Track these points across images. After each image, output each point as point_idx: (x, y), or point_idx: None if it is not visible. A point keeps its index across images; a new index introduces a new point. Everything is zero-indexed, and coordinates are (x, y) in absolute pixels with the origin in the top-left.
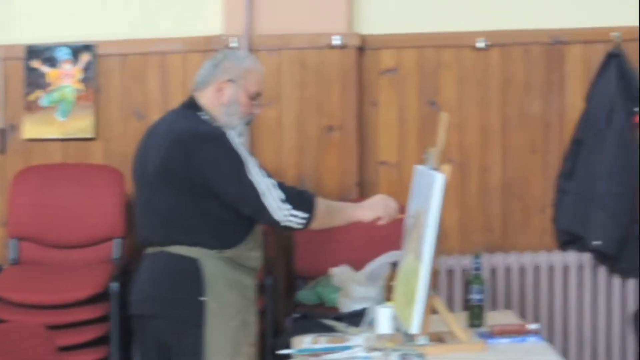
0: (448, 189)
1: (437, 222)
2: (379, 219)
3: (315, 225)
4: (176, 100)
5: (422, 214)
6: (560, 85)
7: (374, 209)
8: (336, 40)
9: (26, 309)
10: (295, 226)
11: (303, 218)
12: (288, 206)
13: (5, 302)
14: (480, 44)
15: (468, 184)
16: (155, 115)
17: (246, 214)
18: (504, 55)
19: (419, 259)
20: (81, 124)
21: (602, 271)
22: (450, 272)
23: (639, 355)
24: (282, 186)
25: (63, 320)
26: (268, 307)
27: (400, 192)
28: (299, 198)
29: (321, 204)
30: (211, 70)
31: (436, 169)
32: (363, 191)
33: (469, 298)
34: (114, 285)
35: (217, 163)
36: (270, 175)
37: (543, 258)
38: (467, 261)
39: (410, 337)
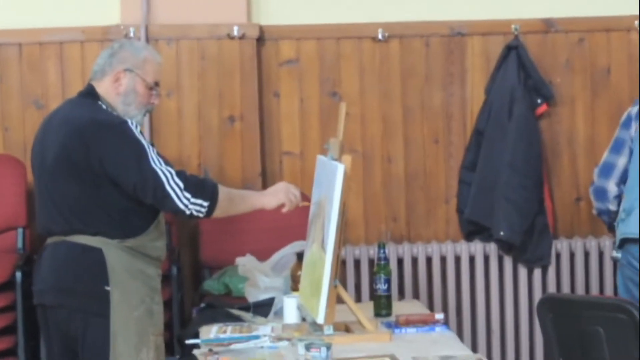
0: (352, 179)
1: (339, 211)
2: (282, 206)
3: (218, 213)
4: (75, 90)
5: (325, 203)
6: (461, 76)
7: (277, 196)
8: (235, 31)
9: None
10: (197, 214)
11: (204, 206)
12: (188, 194)
13: None
14: (380, 35)
15: (372, 174)
16: (54, 104)
17: (148, 202)
18: (404, 46)
19: (323, 249)
20: None
21: (508, 261)
22: (357, 262)
23: (545, 344)
24: (182, 174)
25: None
26: (174, 297)
27: (304, 182)
28: (199, 186)
29: (223, 192)
30: (108, 59)
31: (337, 159)
32: (266, 181)
33: (376, 288)
34: (18, 275)
35: (117, 151)
36: (170, 163)
37: (449, 248)
38: (373, 251)
39: (316, 327)
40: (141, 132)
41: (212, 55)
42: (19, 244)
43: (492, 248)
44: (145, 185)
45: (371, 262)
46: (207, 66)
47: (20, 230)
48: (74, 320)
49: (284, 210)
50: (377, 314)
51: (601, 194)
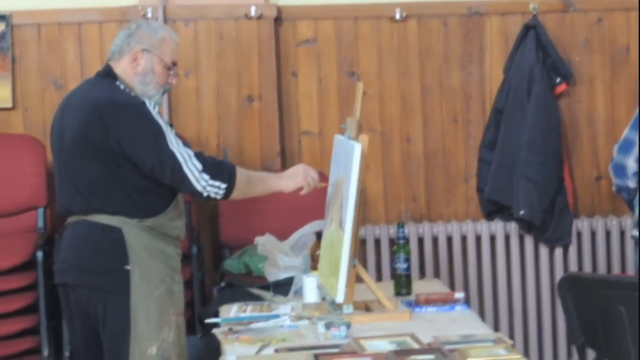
0: (371, 159)
1: (357, 190)
2: (300, 189)
3: (236, 195)
4: (94, 70)
5: (343, 182)
6: (479, 56)
7: (295, 179)
8: (252, 11)
9: None
10: (215, 196)
11: (221, 188)
12: (206, 176)
13: None
14: (398, 15)
15: (391, 153)
16: (73, 84)
17: (166, 183)
18: (422, 26)
19: (342, 228)
20: None
21: (529, 240)
22: (377, 242)
23: (567, 323)
24: (200, 156)
25: None
26: (195, 276)
27: (323, 162)
28: (217, 168)
29: (241, 174)
30: (126, 40)
31: (354, 139)
32: (285, 161)
33: (395, 267)
34: (39, 254)
35: (135, 132)
36: (188, 144)
37: (469, 227)
38: (393, 230)
39: (336, 306)
40: (159, 113)
41: (230, 35)
42: (40, 224)
43: (512, 227)
44: (163, 166)
45: (391, 241)
46: (225, 46)
47: (40, 210)
48: (95, 299)
49: (302, 193)
50: (398, 293)
51: (620, 170)
